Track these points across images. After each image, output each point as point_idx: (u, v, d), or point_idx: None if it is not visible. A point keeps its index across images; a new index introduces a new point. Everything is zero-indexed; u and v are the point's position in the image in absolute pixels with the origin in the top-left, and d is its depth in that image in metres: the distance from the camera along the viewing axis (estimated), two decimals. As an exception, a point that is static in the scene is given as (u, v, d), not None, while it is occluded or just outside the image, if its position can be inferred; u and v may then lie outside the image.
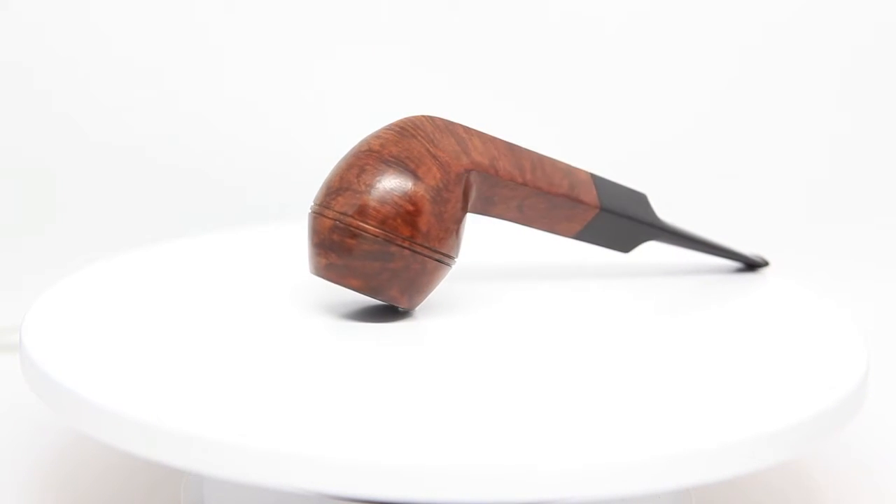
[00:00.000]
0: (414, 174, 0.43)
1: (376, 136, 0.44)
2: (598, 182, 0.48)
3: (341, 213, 0.42)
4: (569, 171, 0.47)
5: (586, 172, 0.48)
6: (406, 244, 0.42)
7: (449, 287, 0.48)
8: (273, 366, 0.41)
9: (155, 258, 0.52)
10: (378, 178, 0.42)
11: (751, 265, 0.53)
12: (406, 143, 0.43)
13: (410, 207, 0.42)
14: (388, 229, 0.42)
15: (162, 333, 0.43)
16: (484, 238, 0.55)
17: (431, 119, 0.45)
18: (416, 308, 0.46)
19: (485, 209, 0.46)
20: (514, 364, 0.41)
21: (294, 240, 0.54)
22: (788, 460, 0.40)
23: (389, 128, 0.44)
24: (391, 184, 0.42)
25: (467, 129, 0.45)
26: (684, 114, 0.80)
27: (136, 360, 0.40)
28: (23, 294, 0.53)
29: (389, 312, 0.46)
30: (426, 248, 0.43)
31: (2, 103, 0.79)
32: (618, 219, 0.48)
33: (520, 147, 0.46)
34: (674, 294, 0.50)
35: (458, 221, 0.44)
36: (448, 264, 0.44)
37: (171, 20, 0.79)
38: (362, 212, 0.42)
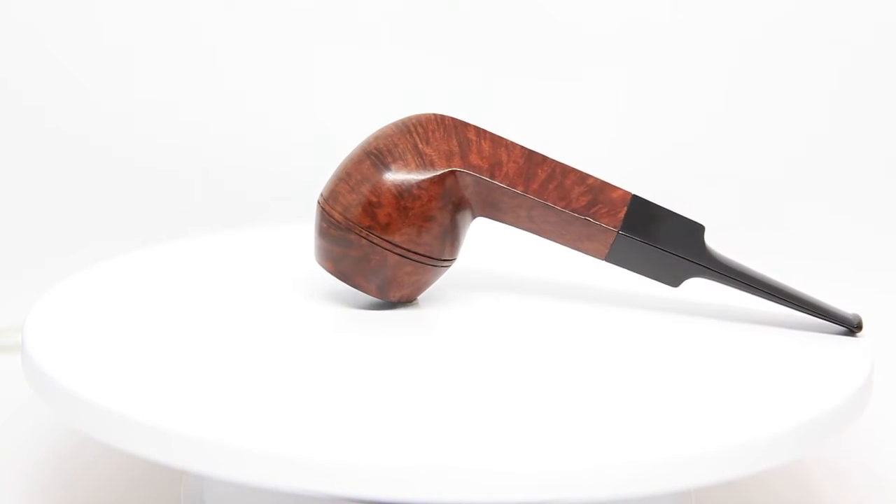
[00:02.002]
0: (387, 168, 0.44)
1: (381, 129, 0.45)
2: (635, 204, 0.45)
3: (323, 198, 0.45)
4: (597, 188, 0.45)
5: (625, 193, 0.45)
6: (363, 234, 0.44)
7: (471, 288, 0.48)
8: (274, 365, 0.41)
9: (156, 258, 0.52)
10: (356, 168, 0.44)
11: (841, 324, 0.45)
12: (396, 137, 0.44)
13: (373, 199, 0.43)
14: (350, 217, 0.44)
15: (163, 334, 0.43)
16: (536, 254, 0.54)
17: (441, 118, 0.45)
18: (442, 309, 0.46)
19: (494, 215, 0.45)
20: (517, 365, 0.41)
21: (295, 239, 0.54)
22: (791, 462, 0.39)
23: (395, 122, 0.45)
24: (363, 174, 0.44)
25: (482, 132, 0.45)
26: (684, 113, 0.80)
27: (137, 361, 0.40)
28: (24, 295, 0.53)
29: (397, 306, 0.46)
30: (384, 240, 0.43)
31: (3, 104, 0.79)
32: (645, 246, 0.45)
33: (543, 156, 0.45)
34: (677, 299, 0.50)
35: (433, 220, 0.44)
36: (419, 262, 0.44)
37: (173, 21, 0.79)
38: (335, 198, 0.44)
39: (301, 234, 0.53)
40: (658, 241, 0.45)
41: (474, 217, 0.46)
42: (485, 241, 0.53)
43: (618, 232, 0.45)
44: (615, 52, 0.80)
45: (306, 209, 0.51)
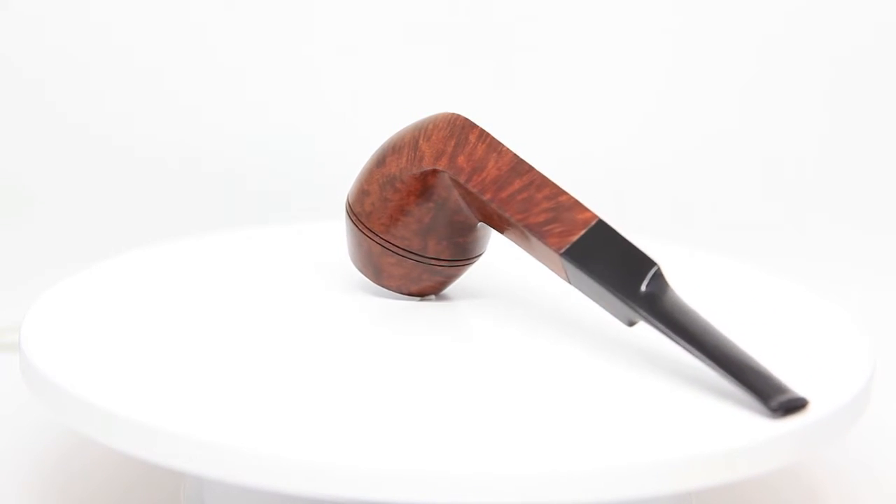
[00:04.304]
0: (383, 160, 0.45)
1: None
2: (597, 230, 0.41)
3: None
4: (564, 206, 0.42)
5: (592, 216, 0.42)
6: (354, 219, 0.45)
7: (508, 287, 0.48)
8: (273, 365, 0.41)
9: (156, 258, 0.52)
10: (370, 158, 0.46)
11: (763, 401, 0.37)
12: (407, 132, 0.45)
13: (366, 187, 0.45)
14: (350, 202, 0.46)
15: (162, 334, 0.43)
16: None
17: (454, 118, 0.45)
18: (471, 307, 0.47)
19: (487, 221, 0.44)
20: (522, 367, 0.41)
21: (298, 239, 0.54)
22: (792, 464, 0.39)
23: (419, 119, 0.46)
24: (369, 164, 0.46)
25: (484, 136, 0.44)
26: (685, 113, 0.80)
27: (136, 362, 0.40)
28: (23, 294, 0.53)
29: (413, 300, 0.47)
30: (367, 228, 0.45)
31: (6, 102, 0.79)
32: (586, 277, 0.41)
33: (529, 167, 0.43)
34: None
35: (409, 215, 0.44)
36: (400, 255, 0.45)
37: (186, 18, 0.79)
38: (352, 185, 0.46)
39: (311, 233, 0.54)
40: (595, 273, 0.40)
41: (475, 221, 0.45)
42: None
43: (560, 255, 0.41)
44: (635, 49, 0.80)
45: (333, 209, 0.51)
